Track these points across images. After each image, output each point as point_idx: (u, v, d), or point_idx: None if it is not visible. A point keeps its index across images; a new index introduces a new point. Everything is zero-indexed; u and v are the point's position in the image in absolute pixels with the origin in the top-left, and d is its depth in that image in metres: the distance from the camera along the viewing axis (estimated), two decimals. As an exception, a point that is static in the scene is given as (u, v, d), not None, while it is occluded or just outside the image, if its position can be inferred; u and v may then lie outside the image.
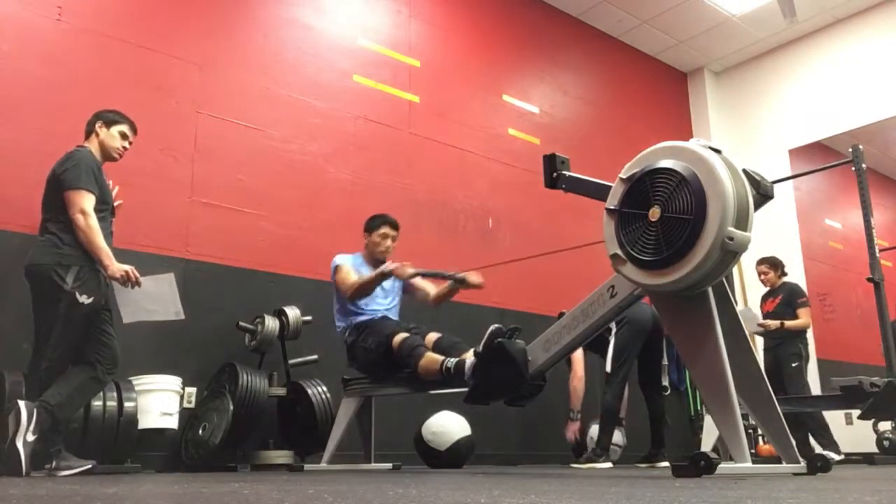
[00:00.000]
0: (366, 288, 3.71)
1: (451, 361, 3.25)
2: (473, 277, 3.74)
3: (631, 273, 2.35)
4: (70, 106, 3.78)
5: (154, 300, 3.11)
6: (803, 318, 5.27)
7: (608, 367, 4.42)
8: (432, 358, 3.37)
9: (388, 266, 3.67)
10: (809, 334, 5.45)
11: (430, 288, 4.02)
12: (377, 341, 3.62)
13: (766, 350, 5.42)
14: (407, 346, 3.46)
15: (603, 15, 6.71)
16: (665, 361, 6.55)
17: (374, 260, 3.93)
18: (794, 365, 5.19)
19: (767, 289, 5.55)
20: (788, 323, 5.24)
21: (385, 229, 3.96)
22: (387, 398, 3.99)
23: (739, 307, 5.63)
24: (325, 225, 4.71)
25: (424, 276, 3.86)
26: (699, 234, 2.16)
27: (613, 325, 4.38)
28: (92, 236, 2.95)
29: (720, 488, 1.58)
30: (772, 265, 5.51)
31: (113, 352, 3.05)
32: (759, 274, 5.54)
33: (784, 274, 5.52)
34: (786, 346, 5.27)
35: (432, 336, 3.62)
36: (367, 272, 3.82)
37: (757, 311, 5.52)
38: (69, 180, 2.99)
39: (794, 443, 2.36)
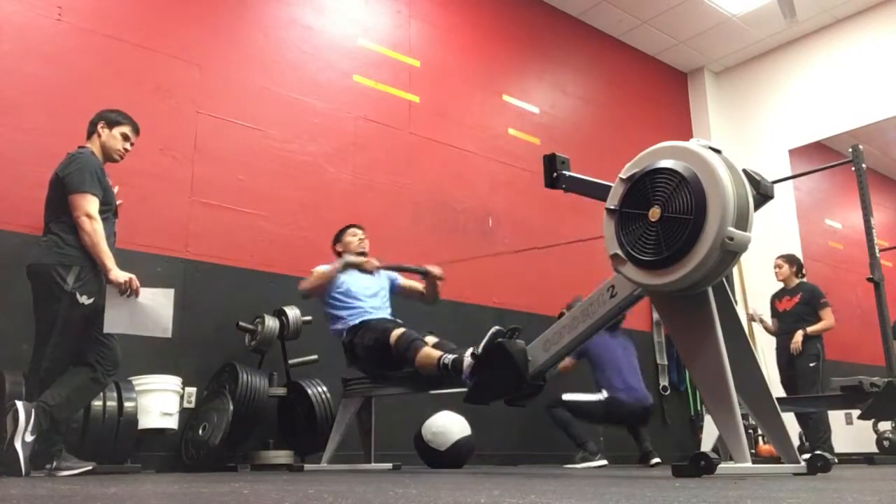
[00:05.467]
0: (322, 282, 3.81)
1: (449, 358, 3.25)
2: (434, 269, 3.97)
3: (631, 273, 2.35)
4: (70, 106, 3.78)
5: (145, 314, 3.02)
6: (828, 318, 5.20)
7: (567, 396, 4.62)
8: (430, 353, 3.39)
9: (350, 257, 3.84)
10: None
11: (418, 286, 4.12)
12: (375, 338, 3.64)
13: (779, 348, 5.36)
14: (405, 339, 3.49)
15: (603, 15, 6.71)
16: (665, 361, 6.58)
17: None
18: (811, 365, 5.12)
19: (780, 287, 5.50)
20: (811, 329, 5.19)
21: (352, 230, 4.09)
22: (387, 398, 4.00)
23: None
24: (325, 225, 4.69)
25: (388, 269, 4.03)
26: (699, 234, 2.16)
27: (604, 394, 4.61)
28: (96, 240, 2.95)
29: (720, 488, 1.58)
30: (788, 261, 5.48)
31: (114, 353, 3.04)
32: (775, 267, 5.50)
33: (802, 274, 5.47)
34: (804, 346, 5.18)
35: (430, 339, 3.63)
36: (353, 277, 3.90)
37: (764, 314, 5.47)
38: (73, 183, 2.98)
39: (794, 443, 2.36)
